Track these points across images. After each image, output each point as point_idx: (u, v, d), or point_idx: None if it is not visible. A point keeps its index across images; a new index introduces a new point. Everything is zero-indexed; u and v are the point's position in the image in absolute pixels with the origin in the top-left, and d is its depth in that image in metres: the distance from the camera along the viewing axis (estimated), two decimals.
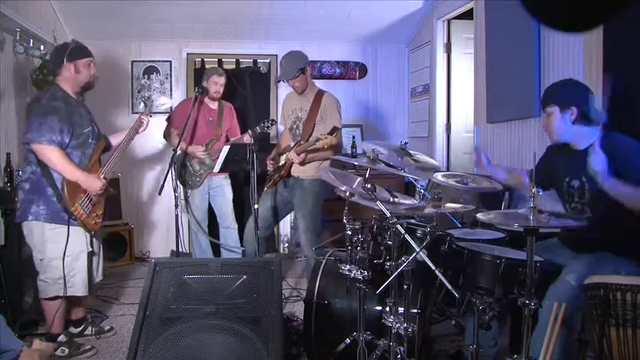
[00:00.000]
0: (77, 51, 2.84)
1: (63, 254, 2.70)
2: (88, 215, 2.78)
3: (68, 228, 2.71)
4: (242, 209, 4.38)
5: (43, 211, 2.70)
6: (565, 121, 2.17)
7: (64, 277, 2.71)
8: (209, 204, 4.20)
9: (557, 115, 2.18)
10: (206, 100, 4.08)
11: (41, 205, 2.69)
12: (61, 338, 2.81)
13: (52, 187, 2.69)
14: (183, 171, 4.03)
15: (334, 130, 3.03)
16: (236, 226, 4.14)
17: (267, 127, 3.85)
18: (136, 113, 5.05)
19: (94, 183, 2.77)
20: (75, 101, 2.83)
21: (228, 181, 4.22)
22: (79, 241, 2.78)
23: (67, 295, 2.77)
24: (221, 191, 4.15)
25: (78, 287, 2.79)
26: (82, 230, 2.79)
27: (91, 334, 3.02)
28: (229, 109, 4.26)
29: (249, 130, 3.93)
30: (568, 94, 2.20)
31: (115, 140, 3.09)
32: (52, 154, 2.65)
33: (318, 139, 3.06)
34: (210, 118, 4.10)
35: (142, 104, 3.27)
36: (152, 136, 5.17)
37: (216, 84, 4.02)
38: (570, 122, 2.16)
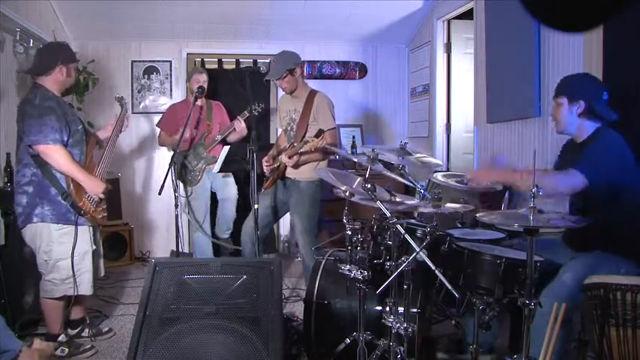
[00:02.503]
0: (69, 54, 2.85)
1: (71, 254, 2.70)
2: (95, 209, 2.82)
3: (76, 228, 2.71)
4: (241, 209, 4.39)
5: (49, 212, 2.69)
6: (571, 113, 2.22)
7: (74, 276, 2.72)
8: (211, 203, 4.26)
9: (566, 106, 2.23)
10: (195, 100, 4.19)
11: (46, 206, 2.68)
12: (62, 338, 2.81)
13: (55, 186, 2.69)
14: (183, 171, 4.08)
15: (320, 133, 3.01)
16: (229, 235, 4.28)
17: (256, 110, 3.92)
18: (137, 113, 5.08)
19: (96, 186, 2.79)
20: (62, 101, 2.85)
21: (232, 179, 4.29)
22: (84, 240, 2.79)
23: (75, 294, 2.78)
24: (222, 183, 4.23)
25: (85, 286, 2.81)
26: (87, 229, 2.81)
27: (88, 335, 3.00)
28: (217, 105, 4.39)
29: (238, 117, 4.01)
30: (579, 87, 2.25)
31: (102, 135, 3.11)
32: (58, 155, 2.65)
33: (305, 142, 3.05)
34: (201, 116, 4.22)
35: (119, 103, 3.29)
36: (152, 136, 5.19)
37: (198, 82, 4.13)
38: (576, 115, 2.21)
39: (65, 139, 2.70)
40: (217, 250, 4.39)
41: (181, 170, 4.06)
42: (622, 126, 2.19)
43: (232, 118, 4.30)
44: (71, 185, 2.71)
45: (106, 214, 2.92)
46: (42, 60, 2.80)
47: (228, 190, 4.27)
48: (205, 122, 4.18)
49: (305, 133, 3.25)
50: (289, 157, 3.15)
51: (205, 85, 4.13)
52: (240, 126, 3.99)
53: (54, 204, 2.69)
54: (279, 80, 3.27)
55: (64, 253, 2.71)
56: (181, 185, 4.08)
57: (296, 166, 3.20)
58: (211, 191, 4.24)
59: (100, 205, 2.86)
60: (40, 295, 2.81)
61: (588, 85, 2.24)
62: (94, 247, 2.88)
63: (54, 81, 2.77)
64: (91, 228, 2.85)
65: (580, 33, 2.82)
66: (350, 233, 2.24)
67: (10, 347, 2.36)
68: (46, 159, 2.65)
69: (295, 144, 3.21)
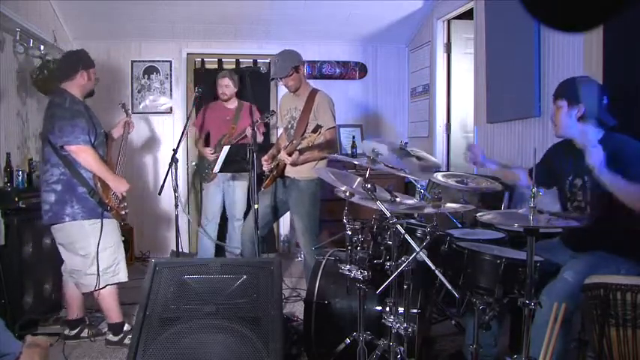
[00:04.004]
0: (88, 60, 3.02)
1: (97, 246, 2.82)
2: (119, 206, 2.98)
3: (102, 221, 2.86)
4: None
5: (79, 210, 2.82)
6: (570, 117, 2.19)
7: (98, 268, 2.83)
8: (223, 200, 4.37)
9: (565, 109, 2.20)
10: (224, 103, 4.35)
11: (75, 205, 2.82)
12: (127, 327, 2.96)
13: (84, 185, 2.83)
14: (201, 165, 4.29)
15: (317, 129, 3.00)
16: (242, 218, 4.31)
17: (268, 117, 4.01)
18: (136, 113, 5.07)
19: (121, 185, 2.96)
20: (86, 105, 3.01)
21: (243, 181, 4.31)
22: (115, 231, 2.97)
23: (114, 282, 2.92)
24: (232, 189, 4.31)
25: (122, 274, 2.96)
26: (114, 221, 2.97)
27: (87, 336, 3.02)
28: (248, 107, 4.37)
29: (249, 125, 4.03)
30: (579, 90, 2.20)
31: (115, 134, 3.26)
32: (87, 154, 2.81)
33: (303, 138, 3.05)
34: (228, 117, 4.31)
35: (123, 109, 3.47)
36: (152, 136, 5.20)
37: (221, 86, 4.27)
38: (575, 119, 2.17)
39: (92, 140, 2.86)
40: (219, 252, 4.42)
41: (199, 164, 4.32)
42: (622, 126, 2.18)
43: None
44: (98, 183, 2.87)
45: (127, 211, 3.08)
46: (65, 66, 3.01)
47: (234, 188, 4.32)
48: (230, 124, 4.25)
49: (304, 131, 3.24)
50: (288, 154, 3.15)
51: (224, 90, 4.25)
52: (250, 130, 4.03)
53: (82, 201, 2.83)
54: (285, 78, 3.25)
55: (105, 243, 2.86)
56: (198, 180, 4.34)
57: (295, 164, 3.20)
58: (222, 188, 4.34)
59: (122, 202, 3.02)
60: (81, 290, 2.94)
61: (589, 89, 2.20)
62: (123, 238, 3.07)
63: (77, 86, 2.92)
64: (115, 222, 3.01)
65: (580, 33, 2.82)
66: (350, 233, 2.24)
67: (10, 350, 2.35)
68: (77, 158, 2.81)
69: (294, 141, 3.21)
